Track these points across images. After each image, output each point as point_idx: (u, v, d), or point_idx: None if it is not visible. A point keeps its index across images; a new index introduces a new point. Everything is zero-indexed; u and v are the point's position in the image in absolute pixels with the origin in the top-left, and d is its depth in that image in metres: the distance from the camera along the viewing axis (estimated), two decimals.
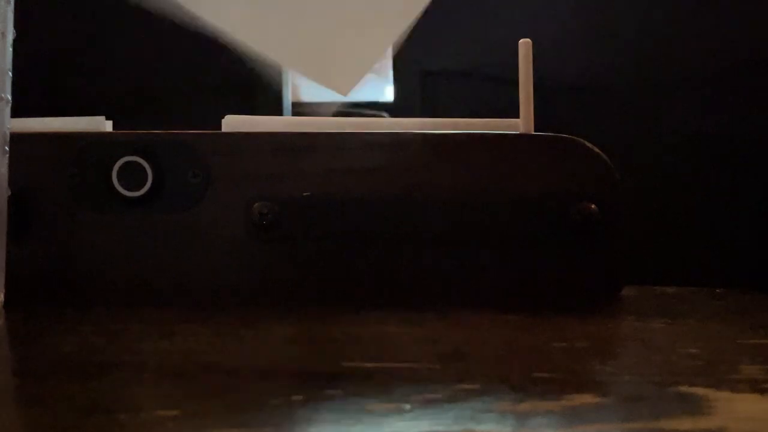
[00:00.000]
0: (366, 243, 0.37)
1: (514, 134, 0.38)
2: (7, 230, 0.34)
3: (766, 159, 0.51)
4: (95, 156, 0.36)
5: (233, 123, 0.39)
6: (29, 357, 0.29)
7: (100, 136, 0.38)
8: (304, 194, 0.37)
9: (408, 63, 0.99)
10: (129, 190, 0.36)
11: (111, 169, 0.36)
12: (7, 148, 0.34)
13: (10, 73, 0.34)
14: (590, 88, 0.84)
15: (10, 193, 0.34)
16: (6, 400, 0.24)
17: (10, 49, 0.34)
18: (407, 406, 0.21)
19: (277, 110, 0.92)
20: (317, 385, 0.24)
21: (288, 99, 0.98)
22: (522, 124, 0.38)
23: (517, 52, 0.38)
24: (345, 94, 0.19)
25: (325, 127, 0.39)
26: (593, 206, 0.36)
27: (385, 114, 1.46)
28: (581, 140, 0.37)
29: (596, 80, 0.84)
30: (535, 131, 0.39)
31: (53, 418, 0.22)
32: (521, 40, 0.38)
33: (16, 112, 0.35)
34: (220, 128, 0.40)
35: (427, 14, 0.95)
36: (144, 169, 0.36)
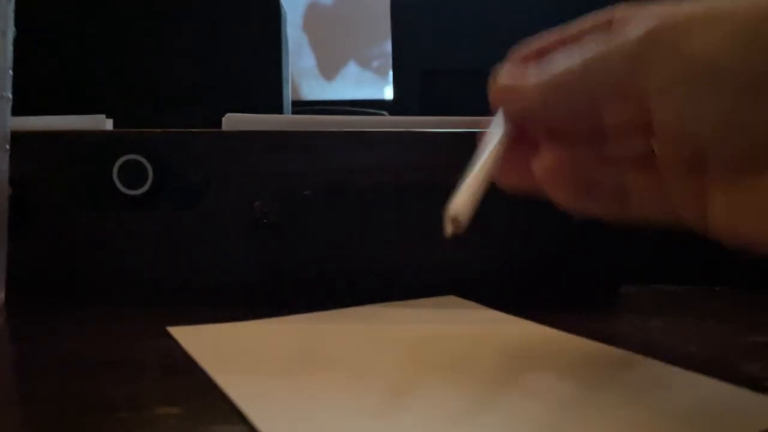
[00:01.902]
0: (366, 241, 0.37)
1: None
2: (8, 228, 0.34)
3: None
4: (96, 154, 0.36)
5: (234, 122, 0.39)
6: (30, 355, 0.29)
7: (101, 134, 0.38)
8: (305, 193, 0.37)
9: (408, 62, 0.99)
10: (130, 188, 0.36)
11: (112, 168, 0.36)
12: (8, 147, 0.34)
13: (11, 72, 0.34)
14: None
15: (11, 191, 0.34)
16: (7, 398, 0.24)
17: (11, 48, 0.34)
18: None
19: (278, 109, 0.92)
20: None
21: (288, 98, 0.98)
22: None
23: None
24: None
25: (325, 125, 0.39)
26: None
27: (384, 113, 1.46)
28: None
29: None
30: None
31: (54, 416, 0.22)
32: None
33: (17, 111, 0.35)
34: (220, 127, 0.40)
35: (427, 14, 0.95)
36: (144, 167, 0.36)
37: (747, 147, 0.23)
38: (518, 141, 0.29)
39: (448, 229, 0.22)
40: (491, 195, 0.37)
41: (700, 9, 0.24)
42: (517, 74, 0.30)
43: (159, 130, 0.37)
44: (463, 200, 0.23)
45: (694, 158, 0.25)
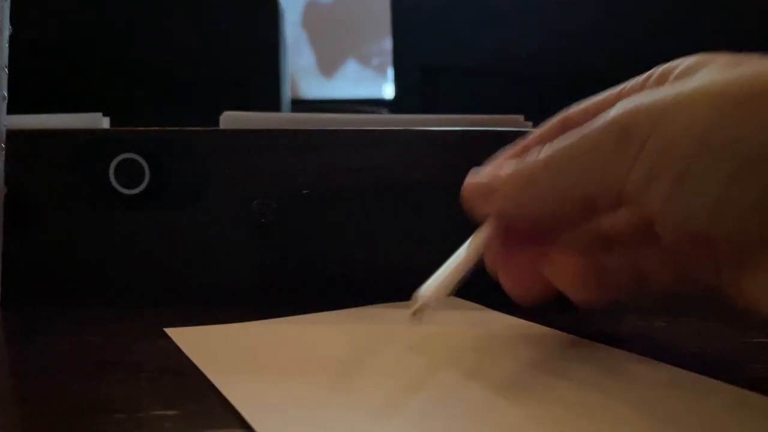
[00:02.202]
0: (366, 240, 0.37)
1: (514, 131, 0.38)
2: (3, 228, 0.34)
3: None
4: (92, 153, 0.36)
5: (231, 120, 0.39)
6: (25, 355, 0.29)
7: (98, 132, 0.38)
8: (303, 192, 0.36)
9: (408, 60, 0.99)
10: (126, 187, 0.36)
11: (108, 167, 0.36)
12: (3, 145, 0.34)
13: (6, 70, 0.34)
14: (590, 84, 0.84)
15: (6, 190, 0.34)
16: (3, 399, 0.24)
17: (6, 46, 0.34)
18: None
19: (276, 107, 0.92)
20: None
21: (287, 96, 0.98)
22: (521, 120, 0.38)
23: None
24: None
25: (324, 124, 0.39)
26: None
27: (384, 110, 1.45)
28: None
29: (596, 76, 0.83)
30: (535, 127, 0.38)
31: (51, 417, 0.22)
32: None
33: (12, 109, 0.35)
34: (218, 125, 0.39)
35: (427, 11, 0.95)
36: (141, 166, 0.36)
37: (746, 226, 0.22)
38: (511, 244, 0.28)
39: (413, 311, 0.21)
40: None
41: (672, 92, 0.23)
42: (488, 173, 0.28)
43: (156, 128, 0.36)
44: (434, 287, 0.22)
45: (696, 239, 0.23)
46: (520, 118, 0.39)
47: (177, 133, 0.36)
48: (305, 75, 1.94)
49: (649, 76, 0.27)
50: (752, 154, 0.21)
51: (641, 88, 0.27)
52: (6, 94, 0.34)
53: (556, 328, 0.30)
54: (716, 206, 0.22)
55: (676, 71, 0.25)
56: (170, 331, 0.29)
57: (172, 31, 0.92)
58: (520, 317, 0.32)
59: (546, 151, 0.25)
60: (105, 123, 0.42)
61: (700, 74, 0.23)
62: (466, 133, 0.37)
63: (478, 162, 0.37)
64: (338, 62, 1.98)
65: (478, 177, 0.28)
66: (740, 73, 0.22)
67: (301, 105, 1.64)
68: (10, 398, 0.24)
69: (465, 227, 0.37)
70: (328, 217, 0.37)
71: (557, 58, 0.82)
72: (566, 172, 0.25)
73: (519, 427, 0.21)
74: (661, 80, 0.26)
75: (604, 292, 0.27)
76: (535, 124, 0.39)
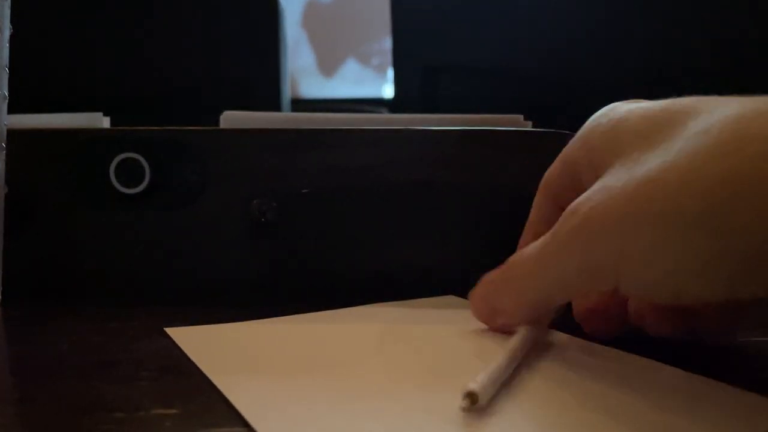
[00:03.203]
0: (365, 240, 0.37)
1: (514, 130, 0.38)
2: (4, 227, 0.34)
3: None
4: (93, 152, 0.36)
5: (231, 119, 0.39)
6: (26, 355, 0.29)
7: (98, 132, 0.38)
8: (303, 191, 0.36)
9: (408, 59, 0.99)
10: (127, 186, 0.36)
11: (109, 166, 0.36)
12: (4, 145, 0.34)
13: (7, 70, 0.34)
14: (589, 85, 0.84)
15: (7, 189, 0.34)
16: (4, 398, 0.24)
17: (7, 45, 0.34)
18: None
19: (276, 106, 0.92)
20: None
21: (287, 95, 0.98)
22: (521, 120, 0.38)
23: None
24: None
25: (324, 123, 0.39)
26: None
27: (384, 110, 1.45)
28: None
29: (595, 77, 0.83)
30: (535, 127, 0.38)
31: (51, 417, 0.22)
32: None
33: (13, 109, 0.35)
34: (218, 125, 0.39)
35: (427, 11, 0.95)
36: (142, 165, 0.36)
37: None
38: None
39: (464, 403, 0.21)
40: (490, 192, 0.37)
41: (619, 187, 0.22)
42: (486, 281, 0.28)
43: (156, 128, 0.36)
44: (485, 380, 0.22)
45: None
46: (520, 118, 0.39)
47: (177, 133, 0.36)
48: (305, 75, 1.94)
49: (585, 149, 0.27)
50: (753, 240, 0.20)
51: (575, 162, 0.27)
52: (6, 94, 0.34)
53: (553, 328, 0.30)
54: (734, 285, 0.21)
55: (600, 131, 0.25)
56: (170, 331, 0.29)
57: (172, 31, 0.93)
58: None
59: (528, 258, 0.25)
60: (105, 123, 0.42)
61: (637, 162, 0.22)
62: (466, 133, 0.37)
63: (477, 161, 0.37)
64: (338, 62, 1.99)
65: (479, 286, 0.29)
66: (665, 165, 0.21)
67: (301, 105, 1.64)
68: (10, 398, 0.24)
69: (464, 227, 0.37)
70: (327, 217, 0.37)
71: (557, 58, 0.82)
72: (551, 279, 0.25)
73: (521, 429, 0.21)
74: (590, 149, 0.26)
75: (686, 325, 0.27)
76: (535, 124, 0.39)
